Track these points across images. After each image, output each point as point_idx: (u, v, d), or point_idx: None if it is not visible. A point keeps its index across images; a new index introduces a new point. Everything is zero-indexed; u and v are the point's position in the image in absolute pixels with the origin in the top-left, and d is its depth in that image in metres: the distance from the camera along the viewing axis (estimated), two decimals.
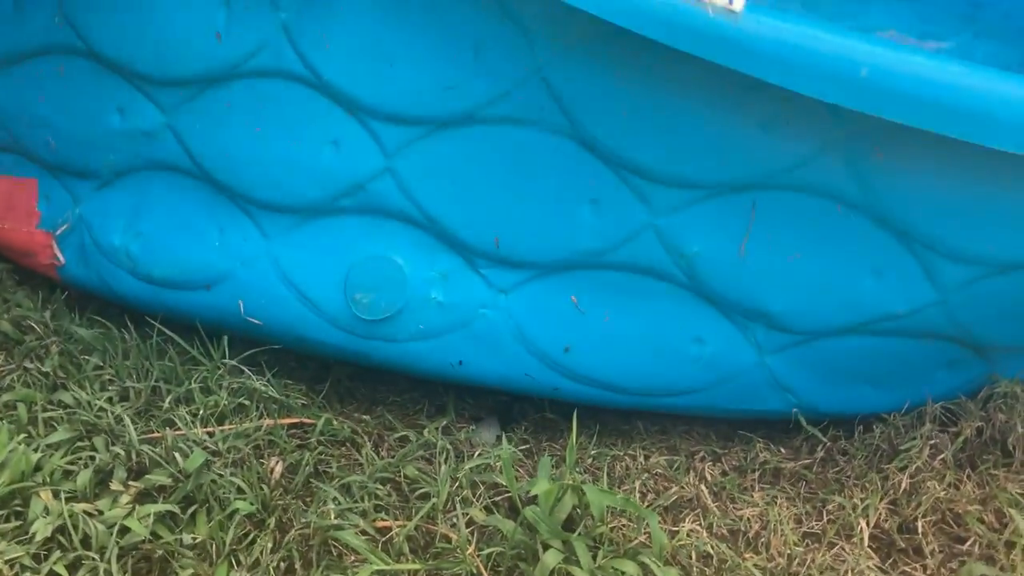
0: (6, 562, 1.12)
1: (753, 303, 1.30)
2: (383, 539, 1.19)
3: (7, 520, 1.18)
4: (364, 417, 1.43)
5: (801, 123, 1.16)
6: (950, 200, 1.18)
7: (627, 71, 1.17)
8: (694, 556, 1.22)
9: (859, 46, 1.07)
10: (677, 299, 1.30)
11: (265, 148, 1.35)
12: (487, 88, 1.24)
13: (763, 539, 1.25)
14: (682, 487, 1.32)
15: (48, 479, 1.22)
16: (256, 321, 1.39)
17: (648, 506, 1.26)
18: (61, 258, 1.53)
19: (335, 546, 1.19)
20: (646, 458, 1.37)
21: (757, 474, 1.36)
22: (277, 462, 1.29)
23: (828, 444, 1.39)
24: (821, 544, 1.24)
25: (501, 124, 1.25)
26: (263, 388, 1.37)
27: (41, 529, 1.16)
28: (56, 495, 1.20)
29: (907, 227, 1.21)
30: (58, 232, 1.53)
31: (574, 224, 1.28)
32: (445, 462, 1.30)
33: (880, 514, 1.29)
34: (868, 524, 1.26)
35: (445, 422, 1.41)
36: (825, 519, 1.29)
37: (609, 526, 1.23)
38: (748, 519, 1.29)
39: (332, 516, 1.19)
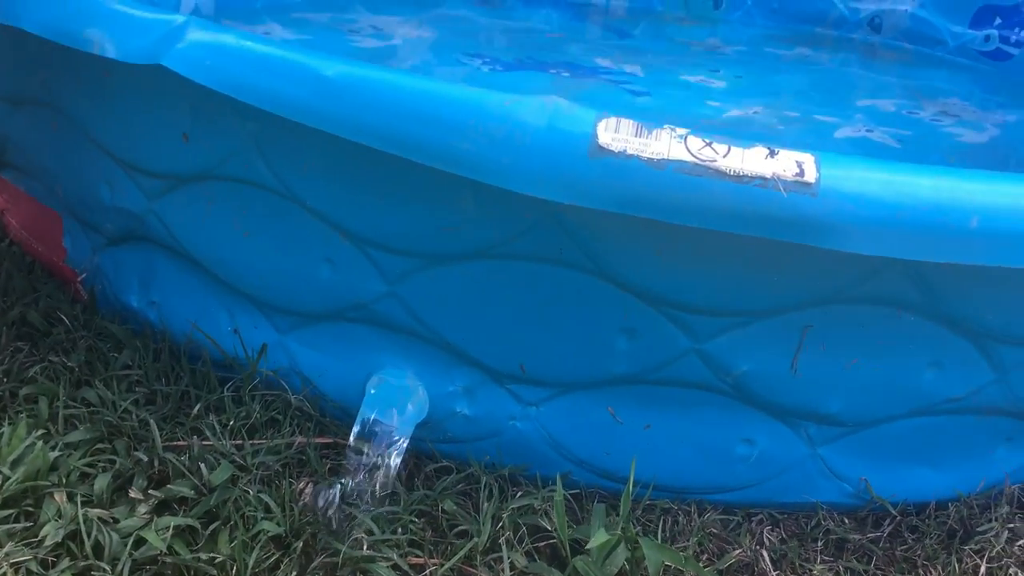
0: (11, 565, 1.03)
1: (807, 407, 1.22)
2: None
3: (16, 520, 1.09)
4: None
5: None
6: (1007, 297, 1.13)
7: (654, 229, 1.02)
8: None
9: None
10: (723, 406, 1.21)
11: (256, 253, 1.24)
12: (492, 232, 1.11)
13: None
14: (740, 550, 1.22)
15: (64, 480, 1.14)
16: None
17: (705, 567, 1.16)
18: (85, 296, 1.46)
19: None
20: (700, 514, 1.27)
21: (820, 544, 1.26)
22: (307, 483, 1.20)
23: (897, 518, 1.29)
24: None
25: (515, 260, 1.12)
26: (297, 403, 1.29)
27: (52, 533, 1.07)
28: (71, 498, 1.12)
29: (967, 320, 1.14)
30: (80, 278, 1.46)
31: (607, 351, 1.17)
32: (488, 499, 1.21)
33: None
34: None
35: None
36: None
37: None
38: None
39: (364, 546, 1.10)
